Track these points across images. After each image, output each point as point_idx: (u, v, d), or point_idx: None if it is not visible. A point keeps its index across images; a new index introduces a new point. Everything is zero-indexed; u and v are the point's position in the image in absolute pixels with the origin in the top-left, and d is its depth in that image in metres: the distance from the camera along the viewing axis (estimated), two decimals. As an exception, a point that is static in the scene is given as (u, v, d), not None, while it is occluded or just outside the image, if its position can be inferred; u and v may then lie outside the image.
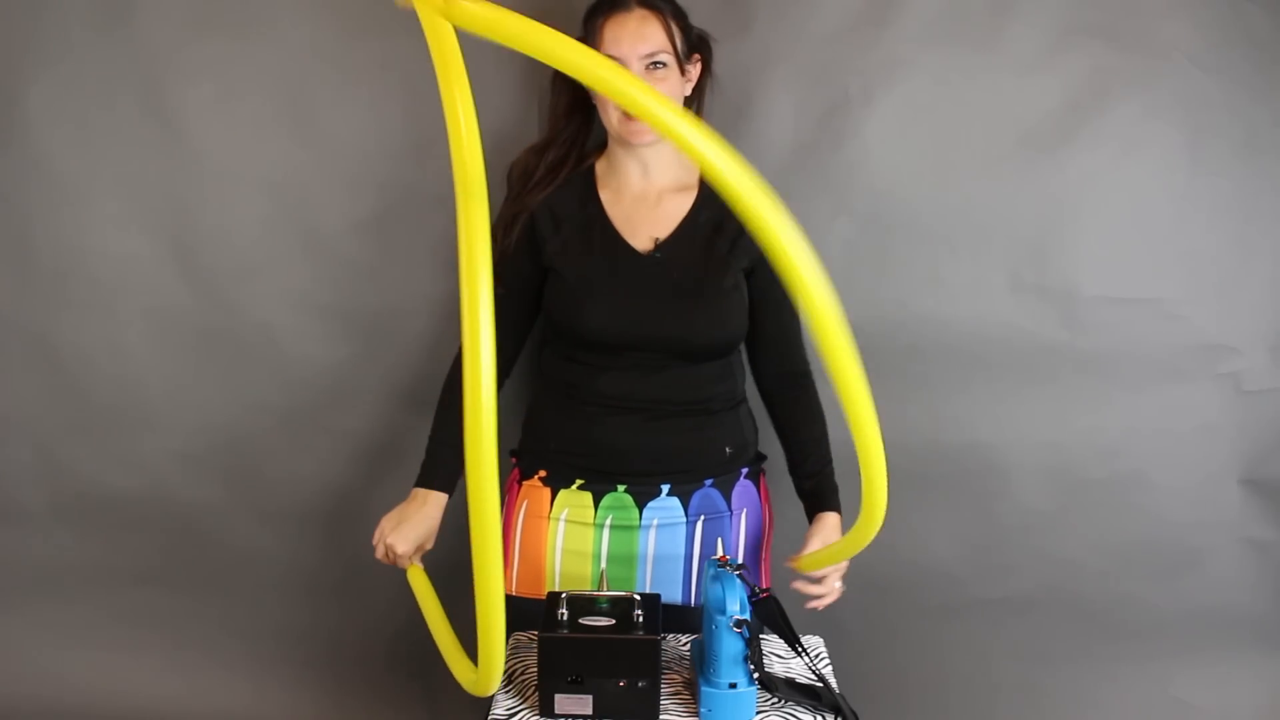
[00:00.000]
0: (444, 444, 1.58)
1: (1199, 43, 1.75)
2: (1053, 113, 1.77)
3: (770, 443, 1.67)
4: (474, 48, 1.85)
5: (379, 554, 1.54)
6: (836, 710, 1.30)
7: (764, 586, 1.50)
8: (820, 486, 1.58)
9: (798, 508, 1.82)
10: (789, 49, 1.75)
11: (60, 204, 1.86)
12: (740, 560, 1.54)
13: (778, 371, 1.62)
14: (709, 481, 1.57)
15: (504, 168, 1.64)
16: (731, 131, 1.75)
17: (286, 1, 1.77)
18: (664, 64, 1.45)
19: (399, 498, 1.96)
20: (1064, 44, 1.75)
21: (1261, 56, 1.77)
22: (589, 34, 1.46)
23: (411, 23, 1.77)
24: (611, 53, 1.43)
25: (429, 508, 1.54)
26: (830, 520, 1.54)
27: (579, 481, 1.56)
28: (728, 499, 1.58)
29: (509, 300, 1.55)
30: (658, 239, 1.54)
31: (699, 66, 1.55)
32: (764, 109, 1.77)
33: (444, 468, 1.56)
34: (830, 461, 1.59)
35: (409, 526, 1.52)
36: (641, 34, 1.43)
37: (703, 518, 1.56)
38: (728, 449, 1.57)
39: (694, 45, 1.52)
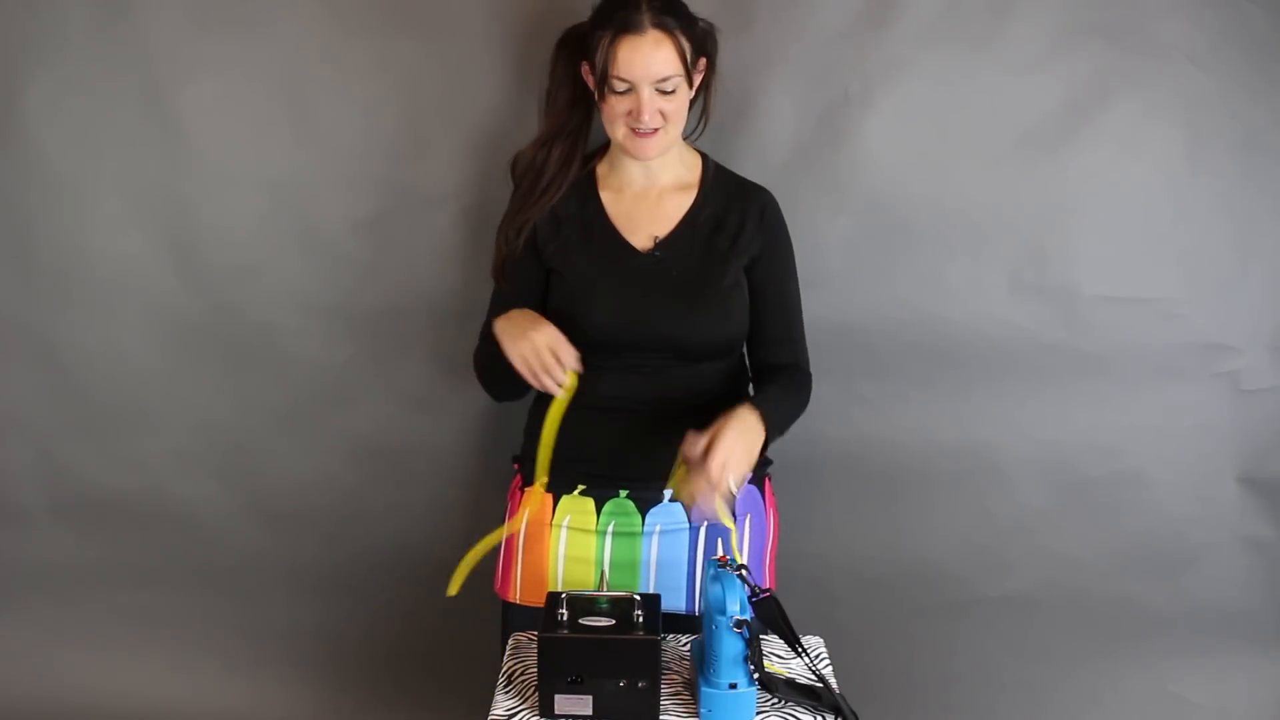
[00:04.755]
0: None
1: (1199, 42, 1.75)
2: (1053, 113, 1.77)
3: (775, 446, 1.67)
4: (471, 46, 1.87)
5: (542, 377, 1.40)
6: (836, 710, 1.30)
7: (769, 589, 1.49)
8: (756, 397, 1.47)
9: (803, 511, 1.83)
10: (789, 49, 1.75)
11: (60, 204, 1.86)
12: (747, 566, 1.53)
13: (776, 365, 1.60)
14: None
15: (505, 167, 1.64)
16: (731, 131, 1.76)
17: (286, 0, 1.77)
18: (674, 87, 1.44)
19: (399, 497, 1.99)
20: (1064, 44, 1.75)
21: (1261, 56, 1.77)
22: (600, 46, 1.43)
23: (411, 22, 1.79)
24: (623, 74, 1.42)
25: (535, 315, 1.46)
26: (742, 411, 1.39)
27: (580, 487, 1.55)
28: (731, 504, 1.58)
29: (525, 300, 1.55)
30: (657, 237, 1.54)
31: (704, 70, 1.53)
32: (764, 109, 1.77)
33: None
34: (781, 400, 1.50)
35: (551, 332, 1.41)
36: (655, 58, 1.41)
37: (706, 524, 1.55)
38: None
39: (700, 48, 1.50)
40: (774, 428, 1.45)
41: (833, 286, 1.80)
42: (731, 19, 1.61)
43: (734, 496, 1.38)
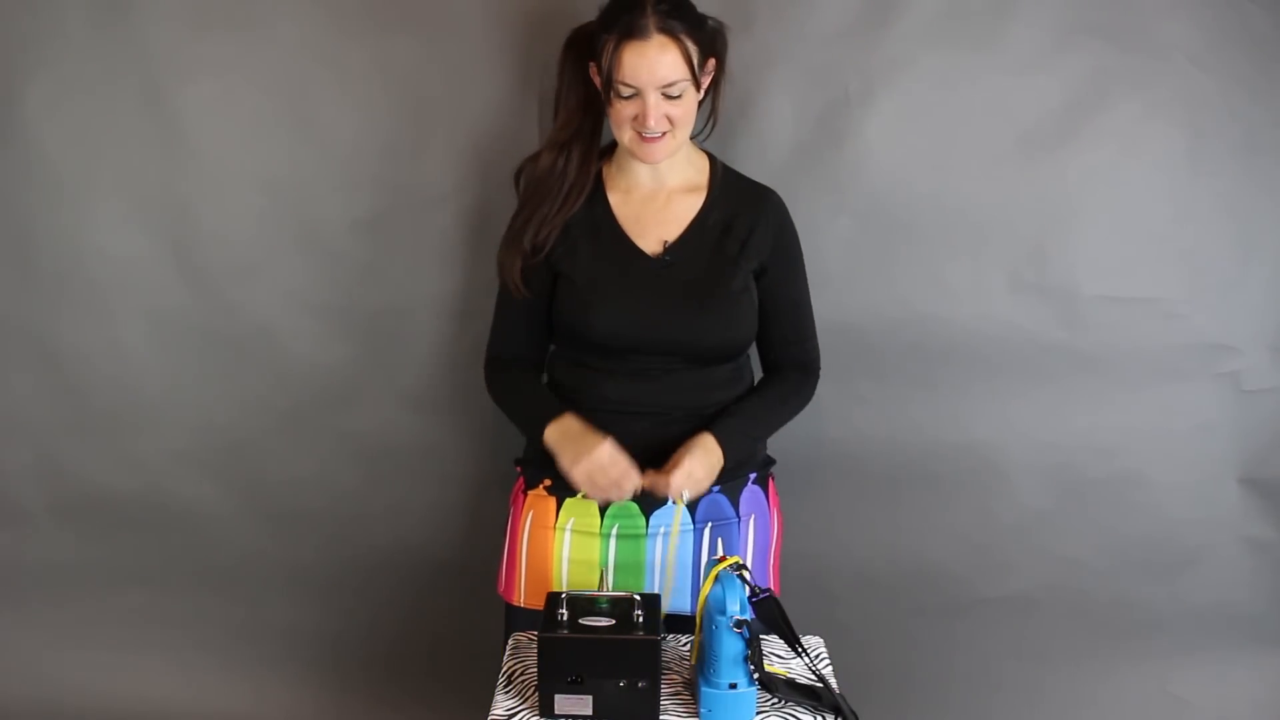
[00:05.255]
0: (539, 395, 1.56)
1: (1199, 42, 1.75)
2: (1053, 113, 1.77)
3: (776, 445, 1.67)
4: (471, 46, 1.87)
5: (612, 495, 1.44)
6: (836, 710, 1.30)
7: (769, 589, 1.49)
8: (725, 416, 1.52)
9: (804, 511, 1.82)
10: (789, 49, 1.75)
11: (59, 203, 1.86)
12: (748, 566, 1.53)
13: (783, 365, 1.62)
14: (716, 488, 1.55)
15: (506, 167, 1.63)
16: (732, 131, 1.75)
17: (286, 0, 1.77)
18: (680, 92, 1.44)
19: (399, 498, 1.98)
20: (1064, 44, 1.75)
21: (1261, 56, 1.76)
22: (605, 51, 1.43)
23: (410, 22, 1.79)
24: (629, 80, 1.41)
25: (583, 425, 1.48)
26: (703, 438, 1.48)
27: (582, 490, 1.55)
28: (735, 505, 1.57)
29: (536, 306, 1.56)
30: (666, 241, 1.53)
31: (712, 72, 1.52)
32: (764, 109, 1.77)
33: (552, 403, 1.52)
34: (759, 413, 1.55)
35: (610, 448, 1.44)
36: (661, 63, 1.40)
37: (710, 524, 1.55)
38: None
39: (708, 49, 1.49)
40: (734, 451, 1.50)
41: (833, 286, 1.80)
42: (731, 19, 1.61)
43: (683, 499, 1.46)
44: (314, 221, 1.85)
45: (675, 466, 1.44)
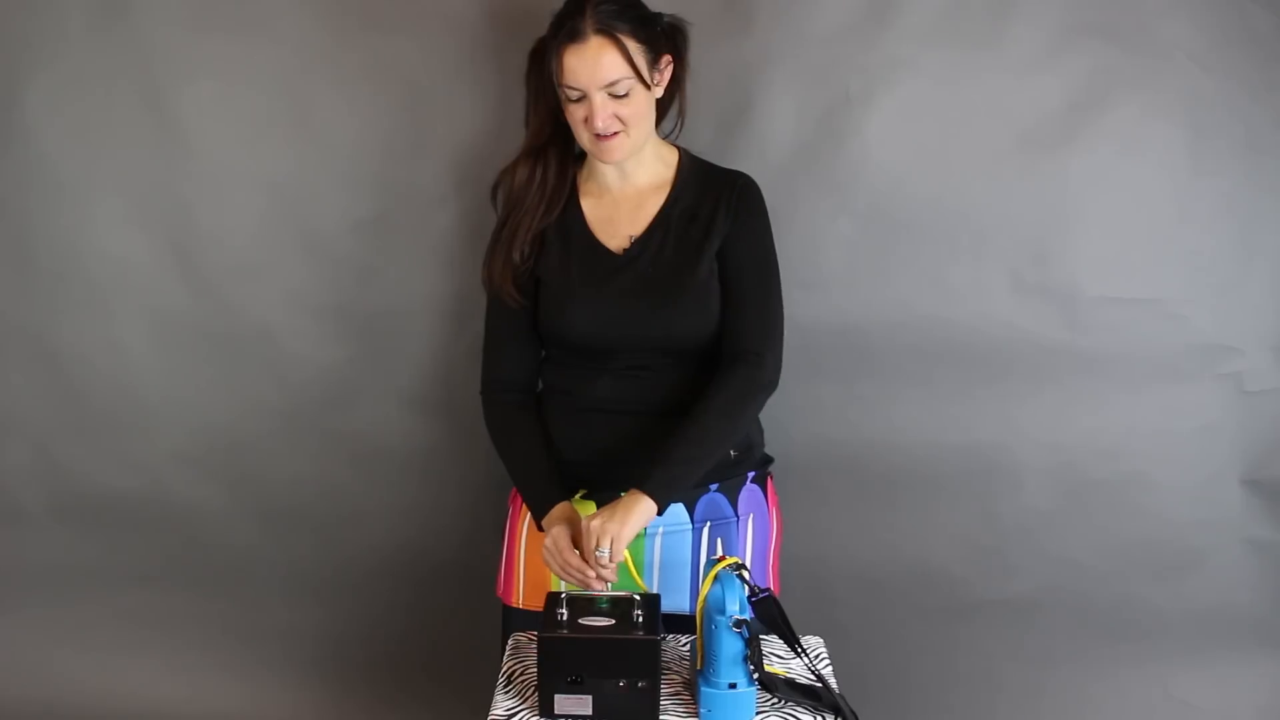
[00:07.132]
0: (537, 472, 1.53)
1: (1200, 42, 1.75)
2: (1053, 113, 1.77)
3: (776, 446, 1.67)
4: (471, 46, 1.87)
5: (565, 577, 1.43)
6: (836, 710, 1.29)
7: (768, 589, 1.49)
8: (660, 470, 1.43)
9: (804, 512, 1.82)
10: (789, 49, 1.75)
11: (59, 204, 1.86)
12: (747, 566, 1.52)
13: (738, 352, 1.50)
14: (714, 486, 1.56)
15: (504, 166, 1.63)
16: (731, 131, 1.76)
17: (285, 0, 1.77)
18: (626, 91, 1.44)
19: (398, 498, 1.99)
20: (1064, 44, 1.75)
21: (1262, 55, 1.76)
22: (550, 56, 1.45)
23: (410, 22, 1.79)
24: (571, 83, 1.43)
25: (562, 511, 1.48)
26: (634, 498, 1.41)
27: (582, 491, 1.55)
28: (734, 504, 1.57)
29: (527, 314, 1.57)
30: (633, 237, 1.54)
31: (670, 69, 1.52)
32: (764, 109, 1.77)
33: (552, 485, 1.51)
34: (695, 458, 1.45)
35: (549, 539, 1.43)
36: (599, 64, 1.41)
37: (709, 524, 1.55)
38: (732, 452, 1.55)
39: (661, 47, 1.49)
40: (667, 497, 1.44)
41: (833, 287, 1.80)
42: (731, 19, 1.61)
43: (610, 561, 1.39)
44: (314, 222, 1.86)
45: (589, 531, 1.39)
